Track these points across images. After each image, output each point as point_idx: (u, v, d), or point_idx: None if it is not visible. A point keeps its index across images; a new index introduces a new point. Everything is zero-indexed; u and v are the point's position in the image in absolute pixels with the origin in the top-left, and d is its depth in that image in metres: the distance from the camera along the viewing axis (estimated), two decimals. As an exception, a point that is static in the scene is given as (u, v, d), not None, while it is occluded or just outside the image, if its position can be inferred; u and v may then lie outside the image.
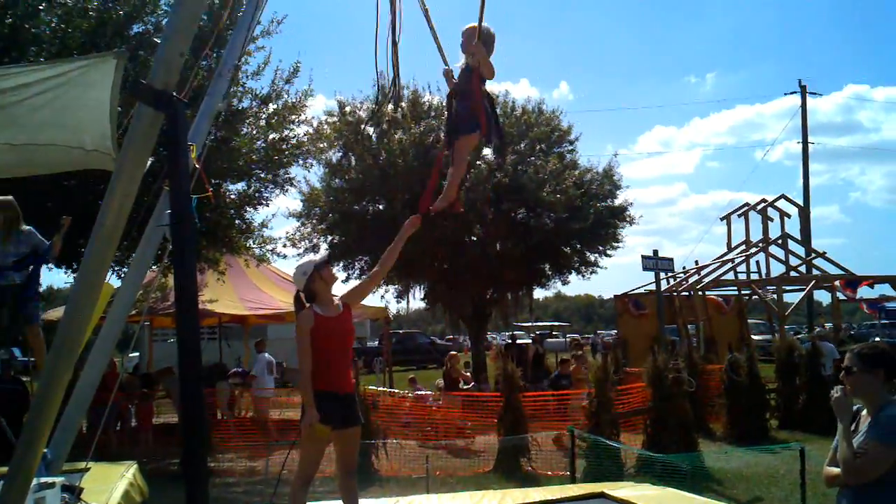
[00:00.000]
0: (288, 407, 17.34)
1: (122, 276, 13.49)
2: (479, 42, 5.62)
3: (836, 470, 4.49)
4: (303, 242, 26.01)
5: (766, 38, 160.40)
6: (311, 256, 6.48)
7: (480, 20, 5.50)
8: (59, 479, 5.52)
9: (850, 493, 4.44)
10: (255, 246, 17.67)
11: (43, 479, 5.29)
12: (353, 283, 27.28)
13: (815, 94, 36.62)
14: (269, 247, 18.25)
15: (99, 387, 6.24)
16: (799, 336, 27.45)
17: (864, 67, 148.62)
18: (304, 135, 17.40)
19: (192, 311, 4.33)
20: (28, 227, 7.47)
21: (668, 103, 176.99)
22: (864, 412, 4.52)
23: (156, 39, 12.02)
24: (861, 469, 4.30)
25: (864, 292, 23.30)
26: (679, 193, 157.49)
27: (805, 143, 33.98)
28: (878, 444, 4.28)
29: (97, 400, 6.84)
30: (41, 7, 12.48)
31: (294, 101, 16.40)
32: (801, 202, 29.81)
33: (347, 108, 25.74)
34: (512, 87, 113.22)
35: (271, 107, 16.18)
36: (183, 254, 4.29)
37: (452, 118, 5.98)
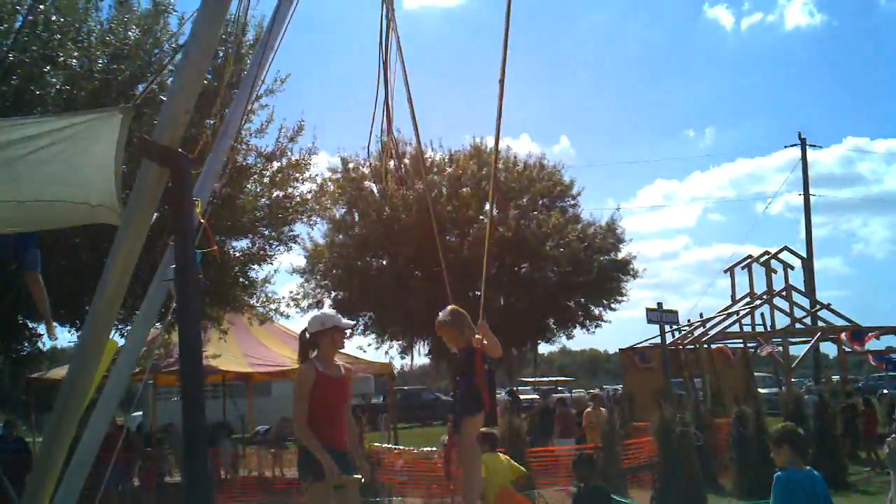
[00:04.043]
0: (291, 466, 17.18)
1: (126, 333, 13.47)
2: (483, 323, 5.78)
3: None
4: (305, 300, 26.03)
5: (764, 92, 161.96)
6: (339, 316, 6.49)
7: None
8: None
9: None
10: (258, 305, 17.63)
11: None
12: (358, 338, 27.22)
13: (815, 146, 36.82)
14: (272, 306, 18.22)
15: (102, 446, 6.18)
16: (812, 388, 27.12)
17: (863, 120, 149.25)
18: (308, 192, 17.47)
19: (197, 365, 4.29)
20: None
21: (668, 157, 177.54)
22: None
23: (161, 98, 12.14)
24: None
25: (870, 344, 23.12)
26: (681, 247, 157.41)
27: (807, 195, 34.03)
28: None
29: (100, 460, 6.76)
30: (46, 69, 12.58)
31: (298, 158, 16.49)
32: (804, 254, 29.80)
33: (351, 165, 25.92)
34: (513, 142, 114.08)
35: (275, 164, 16.26)
36: (188, 309, 4.26)
37: (457, 401, 6.06)
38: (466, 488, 6.11)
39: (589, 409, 17.47)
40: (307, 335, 6.24)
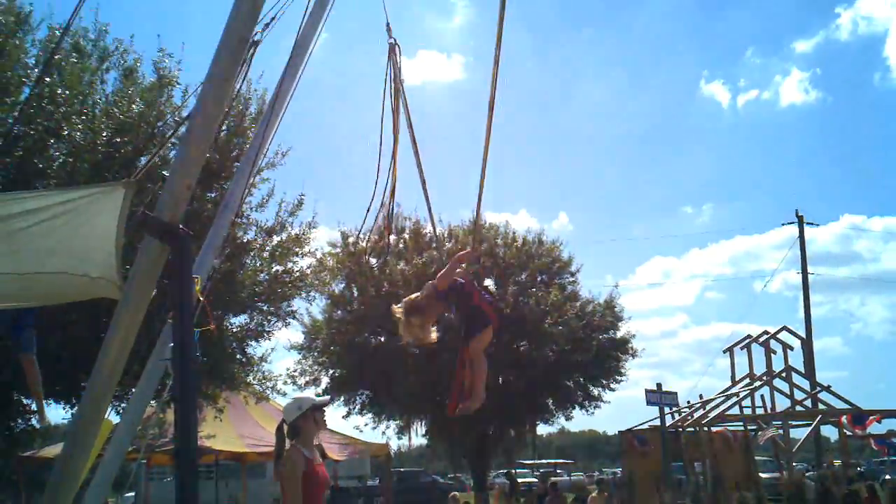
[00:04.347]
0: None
1: (121, 411, 13.27)
2: (477, 246, 5.80)
3: None
4: (303, 377, 25.74)
5: (761, 169, 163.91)
6: (313, 395, 6.35)
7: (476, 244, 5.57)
8: None
9: None
10: (255, 382, 17.42)
11: None
12: (355, 418, 26.85)
13: (812, 224, 36.99)
14: (269, 384, 17.99)
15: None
16: (808, 474, 26.74)
17: (859, 198, 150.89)
18: (308, 267, 17.41)
19: (192, 445, 4.21)
20: None
21: (666, 234, 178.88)
22: None
23: (164, 172, 12.15)
24: None
25: (871, 428, 22.83)
26: (680, 325, 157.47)
27: (805, 273, 34.03)
28: None
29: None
30: (50, 141, 12.62)
31: (298, 233, 16.47)
32: (803, 334, 29.65)
33: (350, 239, 25.89)
34: (511, 217, 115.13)
35: (275, 239, 16.23)
36: (185, 388, 4.20)
37: (463, 326, 6.04)
38: (474, 382, 6.00)
39: (594, 494, 17.19)
40: (286, 425, 6.01)
